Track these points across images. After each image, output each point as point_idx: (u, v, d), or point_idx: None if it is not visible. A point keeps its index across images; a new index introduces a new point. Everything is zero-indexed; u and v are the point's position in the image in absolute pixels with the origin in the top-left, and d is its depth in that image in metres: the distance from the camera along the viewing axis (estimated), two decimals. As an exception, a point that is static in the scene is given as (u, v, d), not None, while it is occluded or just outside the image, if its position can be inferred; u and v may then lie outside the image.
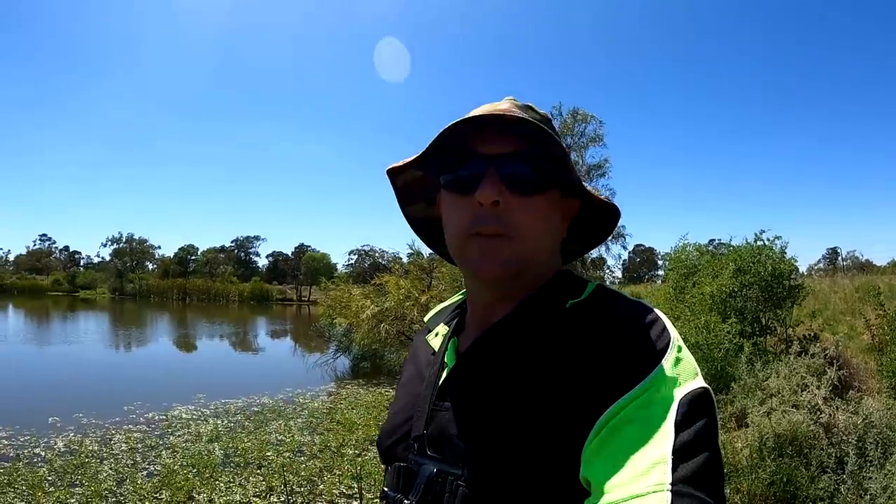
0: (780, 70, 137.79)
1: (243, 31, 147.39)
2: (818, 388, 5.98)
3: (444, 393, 0.88)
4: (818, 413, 5.47)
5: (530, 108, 0.89)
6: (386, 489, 0.89)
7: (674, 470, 0.60)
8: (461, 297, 1.05)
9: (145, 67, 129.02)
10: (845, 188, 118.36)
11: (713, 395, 0.71)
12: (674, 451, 0.61)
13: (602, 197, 0.92)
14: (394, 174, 0.98)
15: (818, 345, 7.74)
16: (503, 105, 0.87)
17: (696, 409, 0.66)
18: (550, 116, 0.93)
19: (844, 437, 5.04)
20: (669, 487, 0.58)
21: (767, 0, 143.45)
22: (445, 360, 0.93)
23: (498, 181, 0.83)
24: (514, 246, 0.84)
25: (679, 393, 0.67)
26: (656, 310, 0.80)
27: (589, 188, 0.90)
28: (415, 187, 1.00)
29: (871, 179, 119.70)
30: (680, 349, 0.73)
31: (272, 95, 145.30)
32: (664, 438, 0.63)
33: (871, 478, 4.48)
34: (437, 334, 1.02)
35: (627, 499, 0.59)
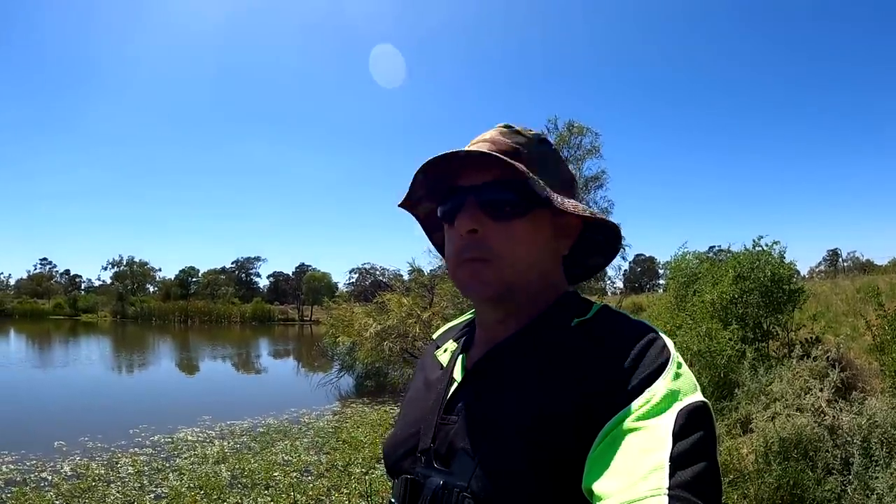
0: (776, 74, 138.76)
1: (241, 50, 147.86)
2: (821, 390, 5.99)
3: (452, 407, 0.90)
4: (822, 415, 5.47)
5: (517, 132, 0.94)
6: (393, 501, 0.91)
7: (671, 476, 0.62)
8: (470, 315, 1.08)
9: (143, 89, 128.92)
10: (844, 188, 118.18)
11: (712, 409, 0.73)
12: (671, 459, 0.63)
13: (586, 213, 0.90)
14: (412, 207, 1.05)
15: (820, 347, 7.72)
16: (489, 134, 0.94)
17: (694, 421, 0.69)
18: (540, 136, 0.97)
19: (849, 439, 5.04)
20: (666, 492, 0.60)
21: (762, 6, 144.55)
22: (454, 375, 0.95)
23: (476, 210, 0.89)
24: (495, 269, 0.88)
25: (678, 406, 0.70)
26: (658, 329, 0.83)
27: (567, 204, 0.88)
28: (434, 217, 1.04)
29: (870, 178, 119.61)
30: (679, 365, 0.76)
31: (270, 115, 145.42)
32: (661, 447, 0.65)
33: (877, 477, 4.49)
34: (445, 350, 1.05)
35: (625, 503, 0.61)
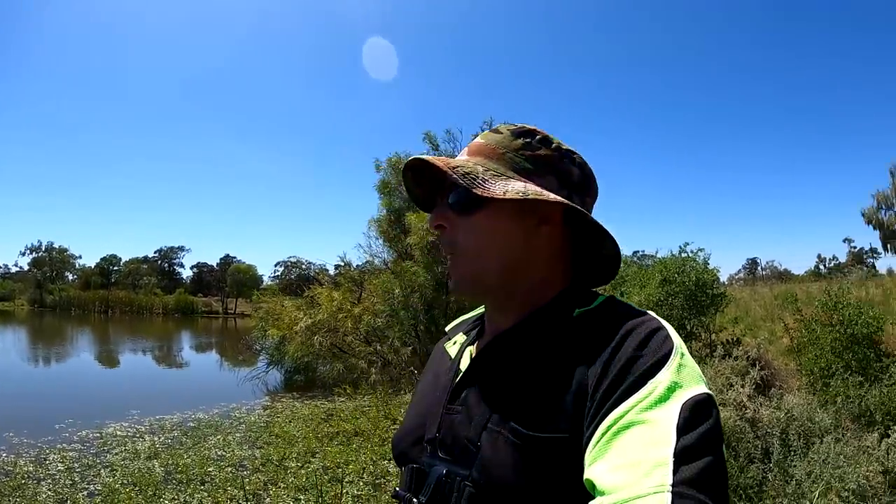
0: (696, 86, 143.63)
1: (178, 32, 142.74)
2: (743, 386, 6.35)
3: (457, 397, 0.92)
4: (744, 409, 5.80)
5: (495, 130, 0.97)
6: (398, 489, 0.93)
7: (675, 472, 0.61)
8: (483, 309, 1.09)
9: (70, 61, 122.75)
10: (765, 199, 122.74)
11: (716, 401, 0.72)
12: (675, 454, 0.62)
13: (508, 195, 0.86)
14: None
15: (741, 348, 8.19)
16: (480, 139, 0.97)
17: (698, 415, 0.67)
18: (523, 128, 0.96)
19: (769, 430, 5.39)
20: (670, 489, 0.59)
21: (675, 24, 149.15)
22: (461, 366, 0.97)
23: (444, 207, 0.94)
24: (461, 262, 0.93)
25: (682, 398, 0.68)
26: (661, 319, 0.82)
27: (495, 189, 0.87)
28: None
29: (790, 191, 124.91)
30: (683, 356, 0.74)
31: (200, 100, 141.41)
32: (665, 441, 0.63)
33: (795, 465, 4.81)
34: (455, 342, 1.07)
35: (629, 500, 0.60)
